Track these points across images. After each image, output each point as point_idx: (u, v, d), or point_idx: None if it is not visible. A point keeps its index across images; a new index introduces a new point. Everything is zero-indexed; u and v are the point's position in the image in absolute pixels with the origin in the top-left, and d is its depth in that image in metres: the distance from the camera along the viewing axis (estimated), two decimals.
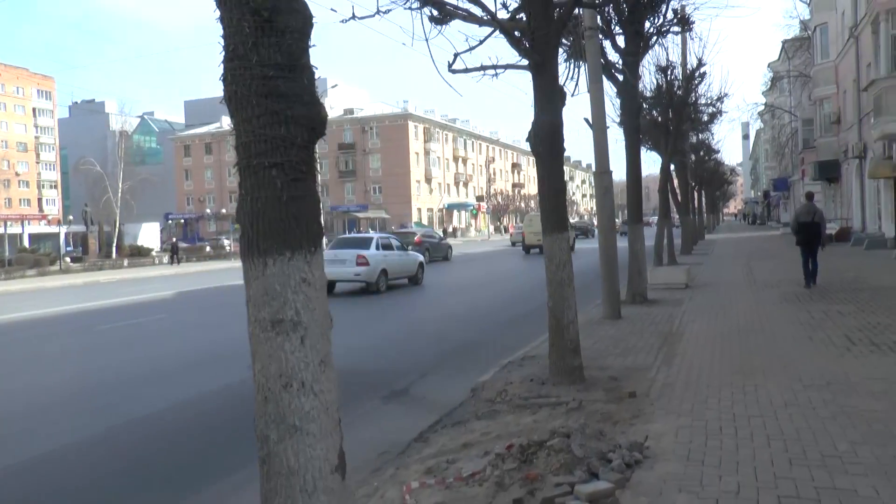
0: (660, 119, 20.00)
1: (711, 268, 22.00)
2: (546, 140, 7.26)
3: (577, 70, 12.76)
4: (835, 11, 35.09)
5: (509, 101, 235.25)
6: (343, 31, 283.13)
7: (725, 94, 19.63)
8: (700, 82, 19.14)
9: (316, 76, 3.05)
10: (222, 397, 8.29)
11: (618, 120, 14.42)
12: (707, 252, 30.85)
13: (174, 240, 48.92)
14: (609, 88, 14.02)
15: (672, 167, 28.73)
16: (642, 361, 8.50)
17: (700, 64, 18.52)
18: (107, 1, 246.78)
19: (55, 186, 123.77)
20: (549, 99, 7.12)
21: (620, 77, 13.77)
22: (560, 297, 7.47)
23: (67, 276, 36.34)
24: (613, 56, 13.96)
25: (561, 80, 7.19)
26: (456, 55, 7.58)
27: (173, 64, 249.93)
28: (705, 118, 21.73)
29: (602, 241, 12.10)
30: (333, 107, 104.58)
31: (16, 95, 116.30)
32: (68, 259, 55.38)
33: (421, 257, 24.18)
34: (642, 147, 23.65)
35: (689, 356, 8.63)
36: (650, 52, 19.23)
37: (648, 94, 19.11)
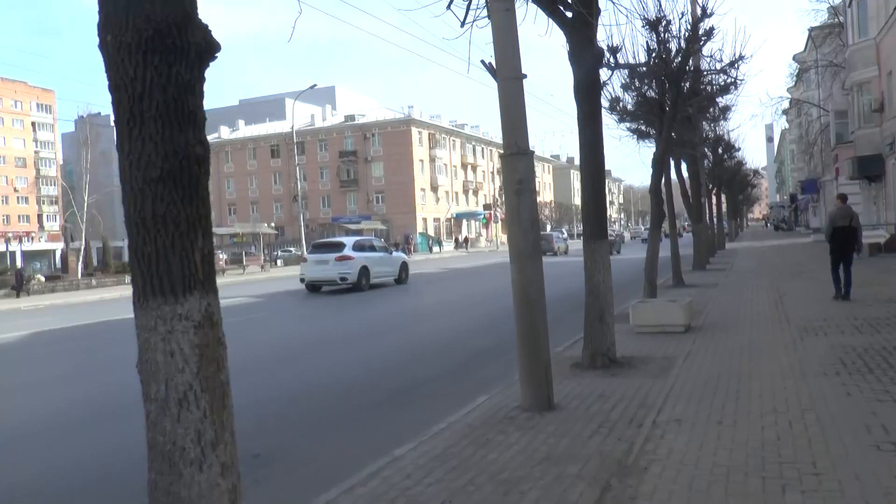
0: (650, 93, 14.74)
1: (728, 292, 16.64)
2: None
3: None
4: None
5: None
6: (353, 40, 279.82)
7: (741, 57, 14.23)
8: (706, 41, 13.81)
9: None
10: None
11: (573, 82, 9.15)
12: (726, 266, 25.40)
13: (20, 267, 42.86)
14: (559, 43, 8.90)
15: (682, 164, 23.56)
16: None
17: (705, 13, 13.22)
18: None
19: (56, 202, 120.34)
20: None
21: (570, 14, 8.64)
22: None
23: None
24: None
25: None
26: None
27: None
28: (715, 90, 16.32)
29: (516, 273, 6.89)
30: (336, 112, 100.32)
31: (14, 109, 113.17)
32: (41, 278, 51.18)
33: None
34: (634, 138, 18.52)
35: None
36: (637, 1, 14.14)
37: (634, 59, 13.87)
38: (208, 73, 2.59)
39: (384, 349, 12.55)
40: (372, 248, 27.56)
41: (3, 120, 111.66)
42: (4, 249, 77.76)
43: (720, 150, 33.36)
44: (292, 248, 71.71)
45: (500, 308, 16.54)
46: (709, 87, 16.34)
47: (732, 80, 14.93)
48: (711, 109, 20.51)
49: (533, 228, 6.81)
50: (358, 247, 26.45)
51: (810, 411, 6.18)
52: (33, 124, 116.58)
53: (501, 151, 6.88)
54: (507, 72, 6.81)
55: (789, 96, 59.40)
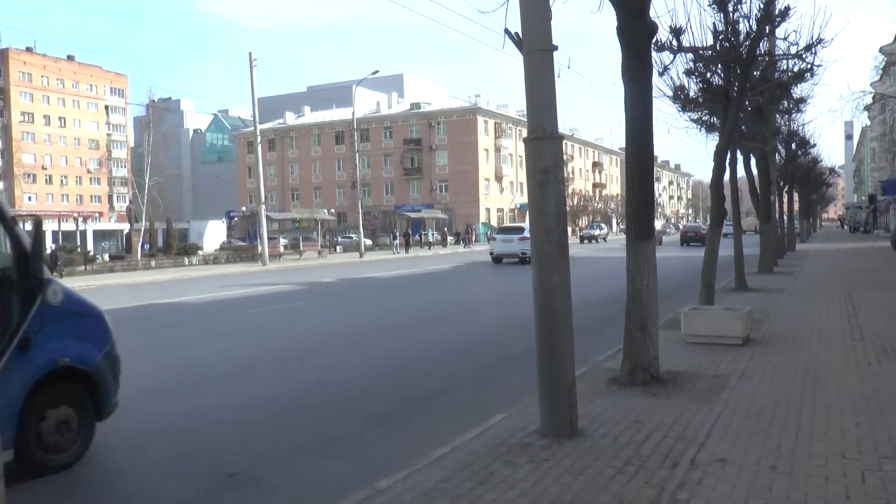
0: (715, 79, 13.46)
1: (795, 299, 15.27)
2: None
3: None
4: None
5: (588, 98, 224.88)
6: (424, 29, 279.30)
7: (820, 41, 12.80)
8: (781, 22, 12.49)
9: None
10: None
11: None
12: (794, 269, 23.78)
13: (53, 247, 43.52)
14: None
15: (752, 159, 22.05)
16: None
17: None
18: (206, 8, 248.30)
19: (126, 183, 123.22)
20: None
21: None
22: None
23: None
24: None
25: None
26: None
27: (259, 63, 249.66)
28: (789, 77, 14.81)
29: (537, 277, 5.93)
30: (402, 100, 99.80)
31: (89, 93, 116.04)
32: (107, 258, 52.19)
33: None
34: (700, 130, 17.24)
35: None
36: None
37: (702, 42, 12.65)
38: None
39: (424, 342, 11.85)
40: None
41: (79, 103, 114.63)
42: (75, 229, 79.83)
43: (793, 146, 31.42)
44: (353, 235, 71.44)
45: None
46: (782, 75, 14.94)
47: (809, 66, 13.53)
48: (784, 100, 19.00)
49: (559, 225, 5.84)
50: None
51: (890, 460, 5.08)
52: (106, 108, 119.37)
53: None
54: (535, 43, 5.84)
55: (873, 91, 56.37)
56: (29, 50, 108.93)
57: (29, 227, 5.95)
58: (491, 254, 35.73)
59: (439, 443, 5.92)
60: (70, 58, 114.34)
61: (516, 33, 6.06)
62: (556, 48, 5.92)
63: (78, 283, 28.73)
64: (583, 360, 8.92)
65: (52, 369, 5.77)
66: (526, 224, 38.10)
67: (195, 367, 10.40)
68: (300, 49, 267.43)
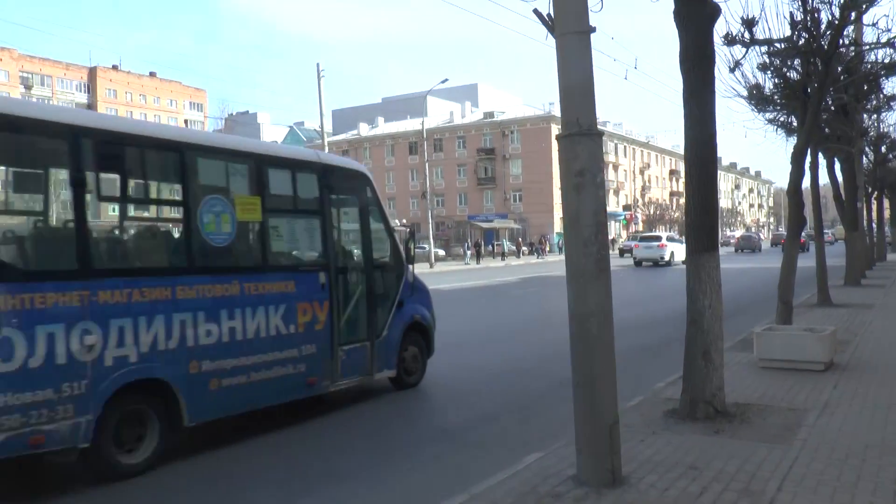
0: (793, 75, 12.27)
1: (886, 316, 13.83)
2: None
3: None
4: None
5: (665, 104, 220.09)
6: (500, 38, 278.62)
7: None
8: (868, 7, 11.24)
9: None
10: None
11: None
12: (886, 282, 22.01)
13: None
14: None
15: (836, 164, 20.54)
16: None
17: None
18: (284, 23, 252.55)
19: None
20: None
21: None
22: None
23: None
24: None
25: None
26: None
27: (332, 76, 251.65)
28: (877, 70, 13.38)
29: (573, 299, 5.06)
30: (476, 110, 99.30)
31: (169, 108, 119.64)
32: None
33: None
34: (778, 132, 15.99)
35: None
36: None
37: (774, 34, 11.52)
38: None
39: (471, 364, 11.05)
40: (673, 240, 43.28)
41: (160, 117, 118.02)
42: None
43: (883, 148, 29.39)
44: (425, 245, 70.50)
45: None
46: (870, 67, 13.56)
47: None
48: (872, 97, 17.50)
49: (597, 237, 4.95)
50: (667, 238, 43.57)
51: None
52: (186, 122, 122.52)
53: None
54: (568, 25, 4.99)
55: None
56: (115, 68, 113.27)
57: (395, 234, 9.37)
58: (634, 258, 43.30)
59: (463, 485, 5.13)
60: (152, 74, 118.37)
61: (548, 14, 5.23)
62: (593, 30, 5.06)
63: None
64: (642, 386, 8.05)
65: (410, 322, 9.08)
66: (663, 234, 47.82)
67: None
68: (376, 62, 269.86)
